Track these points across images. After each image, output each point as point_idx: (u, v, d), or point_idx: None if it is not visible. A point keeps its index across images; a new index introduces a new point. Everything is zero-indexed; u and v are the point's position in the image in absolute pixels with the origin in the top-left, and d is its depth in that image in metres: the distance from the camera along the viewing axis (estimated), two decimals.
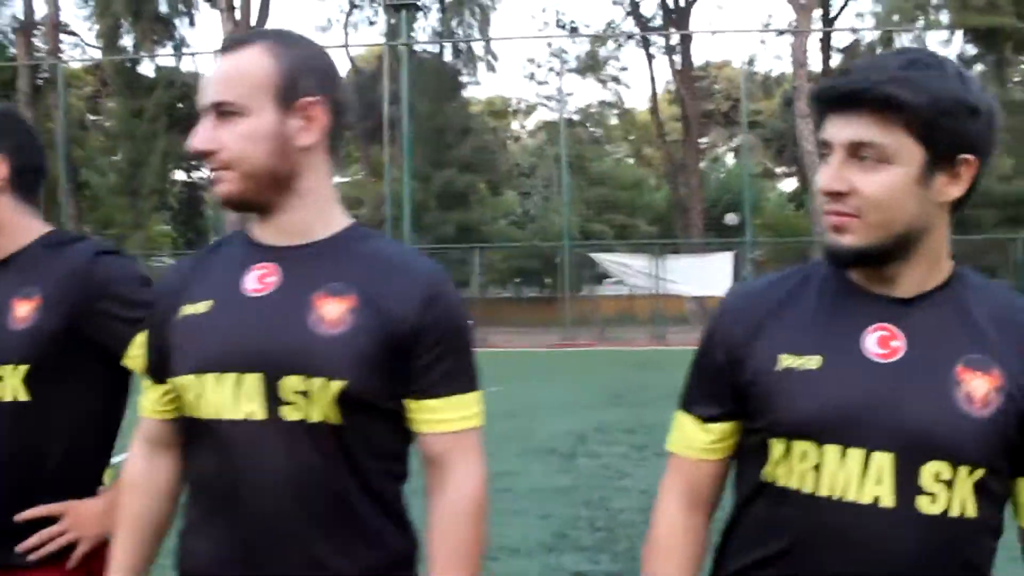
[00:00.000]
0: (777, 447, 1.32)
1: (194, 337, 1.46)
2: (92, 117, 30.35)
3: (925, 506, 1.26)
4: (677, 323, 25.38)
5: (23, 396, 1.73)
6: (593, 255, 27.85)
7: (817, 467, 1.29)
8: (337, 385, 1.38)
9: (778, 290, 1.40)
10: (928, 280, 1.32)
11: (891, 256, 1.30)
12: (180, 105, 28.46)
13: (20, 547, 1.72)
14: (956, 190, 1.28)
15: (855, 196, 1.26)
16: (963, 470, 1.25)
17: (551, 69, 37.30)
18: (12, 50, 28.31)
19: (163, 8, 27.61)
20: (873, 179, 1.26)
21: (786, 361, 1.33)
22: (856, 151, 1.26)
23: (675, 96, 36.27)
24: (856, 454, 1.27)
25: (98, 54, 29.70)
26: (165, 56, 29.92)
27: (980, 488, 1.26)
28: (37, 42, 28.66)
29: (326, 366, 1.38)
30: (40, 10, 28.50)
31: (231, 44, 1.46)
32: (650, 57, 38.88)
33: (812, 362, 1.31)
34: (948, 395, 1.26)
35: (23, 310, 1.76)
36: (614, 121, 42.66)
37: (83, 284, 1.76)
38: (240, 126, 1.42)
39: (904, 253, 1.30)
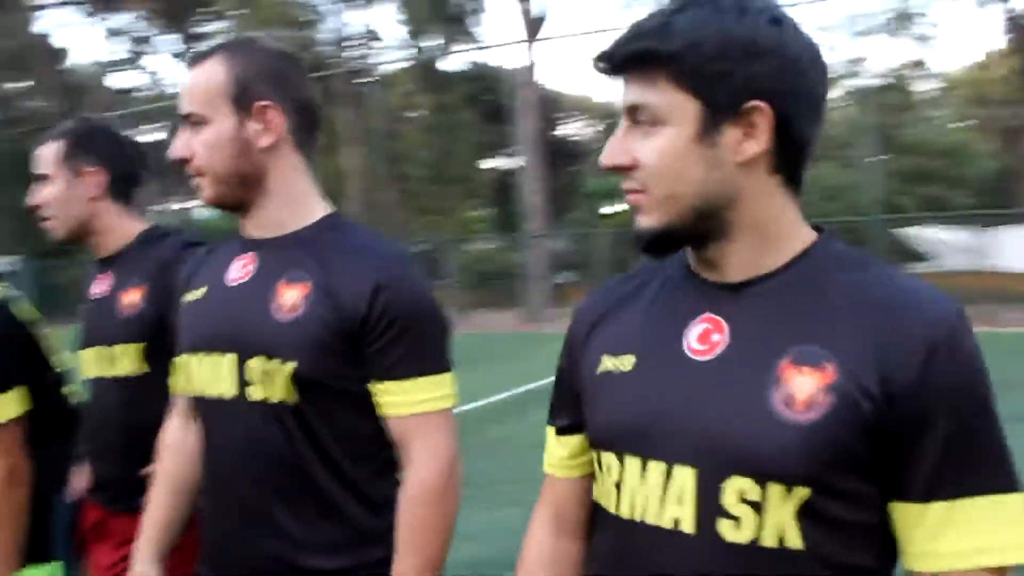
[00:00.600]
0: (596, 461, 1.17)
1: (188, 321, 1.66)
2: (410, 114, 33.09)
3: (728, 532, 1.03)
4: (1008, 302, 22.76)
5: (136, 371, 2.04)
6: (903, 230, 25.80)
7: (618, 484, 1.11)
8: (290, 366, 1.49)
9: (629, 284, 1.21)
10: (763, 260, 1.09)
11: (703, 235, 1.09)
12: (484, 97, 30.28)
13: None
14: (755, 145, 1.05)
15: (639, 168, 1.07)
16: (775, 489, 1.00)
17: (857, 32, 34.98)
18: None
19: (457, 9, 29.36)
20: (648, 145, 1.06)
21: (606, 363, 1.16)
22: (634, 117, 1.07)
23: (1011, 50, 32.48)
24: (657, 468, 1.07)
25: (405, 56, 32.22)
26: (464, 52, 31.79)
27: (807, 512, 1.01)
28: (351, 52, 31.66)
29: (281, 349, 1.50)
30: (353, 21, 31.63)
31: (194, 58, 1.59)
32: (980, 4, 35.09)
33: (626, 363, 1.13)
34: (762, 397, 1.02)
35: (130, 299, 2.10)
36: (927, 84, 39.20)
37: (172, 274, 1.90)
38: (204, 134, 1.55)
39: (719, 230, 1.08)
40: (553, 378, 1.28)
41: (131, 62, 36.85)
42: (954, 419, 0.98)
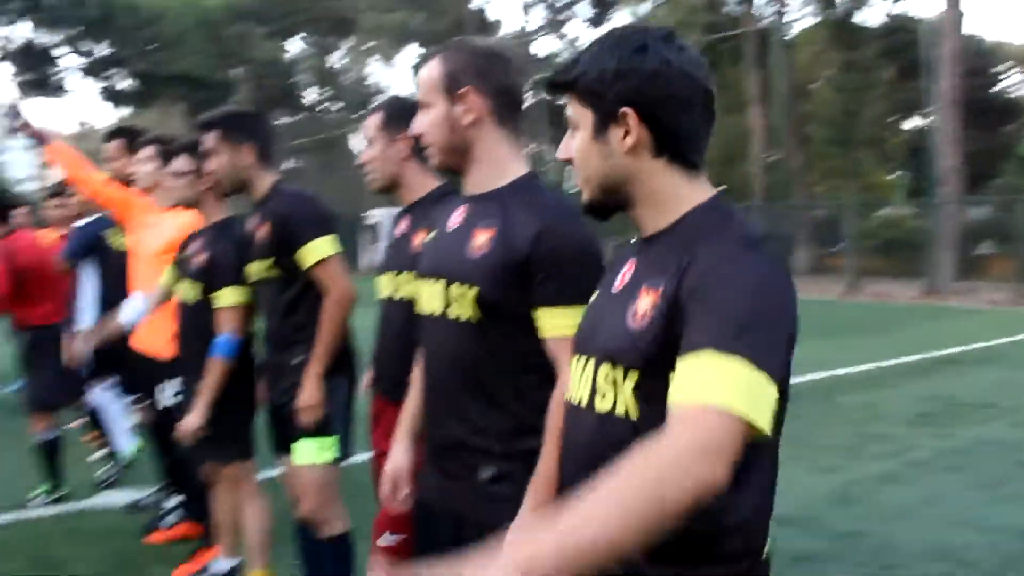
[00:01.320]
0: None
1: (422, 255, 2.19)
2: (819, 74, 31.91)
3: (599, 403, 1.44)
4: None
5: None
6: None
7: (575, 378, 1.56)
8: (475, 291, 1.95)
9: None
10: (659, 220, 1.46)
11: (619, 205, 1.50)
12: (900, 52, 28.29)
13: None
14: (631, 138, 1.42)
15: (572, 161, 1.52)
16: (621, 371, 1.41)
17: None
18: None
19: None
20: (572, 144, 1.51)
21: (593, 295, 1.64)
22: (568, 125, 1.51)
23: None
24: (580, 361, 1.52)
25: (816, 11, 30.94)
26: (882, 3, 29.79)
27: (639, 391, 1.39)
28: (762, 11, 31.03)
29: (470, 278, 1.96)
30: None
31: (423, 59, 2.12)
32: None
33: (594, 296, 1.61)
34: (623, 312, 1.42)
35: (420, 239, 2.42)
36: None
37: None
38: (428, 116, 2.08)
39: (627, 202, 1.48)
40: (949, 351, 1.54)
41: (553, 29, 39.50)
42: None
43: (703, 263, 1.35)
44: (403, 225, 2.92)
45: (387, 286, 2.90)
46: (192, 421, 3.56)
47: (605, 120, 1.45)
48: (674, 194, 1.47)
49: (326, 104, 47.72)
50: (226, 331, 3.57)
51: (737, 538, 1.41)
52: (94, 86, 37.24)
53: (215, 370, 3.53)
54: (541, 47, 39.98)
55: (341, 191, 42.10)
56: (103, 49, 35.95)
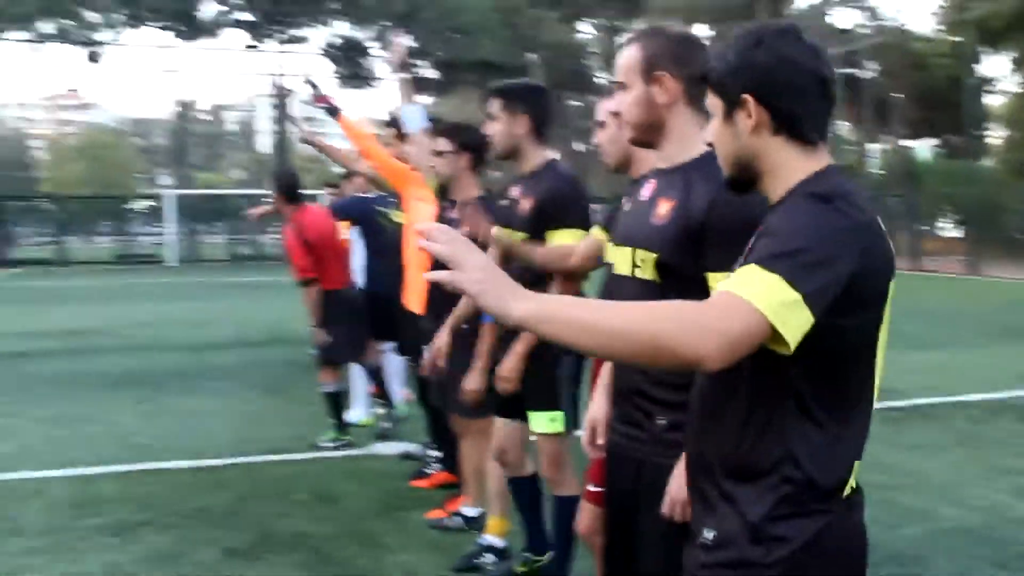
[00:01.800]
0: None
1: (617, 224, 2.45)
2: None
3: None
4: None
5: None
6: None
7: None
8: (655, 256, 2.18)
9: None
10: (779, 191, 1.66)
11: (750, 180, 1.70)
12: None
13: None
14: (751, 121, 1.63)
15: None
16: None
17: None
18: None
19: None
20: (708, 130, 1.75)
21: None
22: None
23: None
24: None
25: None
26: None
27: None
28: None
29: (652, 244, 2.20)
30: None
31: (624, 43, 2.35)
32: None
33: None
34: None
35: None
36: None
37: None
38: (626, 96, 2.29)
39: (756, 176, 1.69)
40: None
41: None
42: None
43: (774, 215, 1.60)
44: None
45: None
46: (470, 385, 3.80)
47: (731, 106, 1.66)
48: (791, 167, 1.65)
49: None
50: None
51: (814, 474, 1.57)
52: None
53: (488, 335, 3.71)
54: (839, 19, 37.89)
55: None
56: (409, 43, 38.74)
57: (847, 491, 1.62)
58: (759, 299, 1.42)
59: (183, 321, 13.54)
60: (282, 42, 36.82)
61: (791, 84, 1.61)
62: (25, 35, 34.51)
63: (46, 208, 39.81)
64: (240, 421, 6.90)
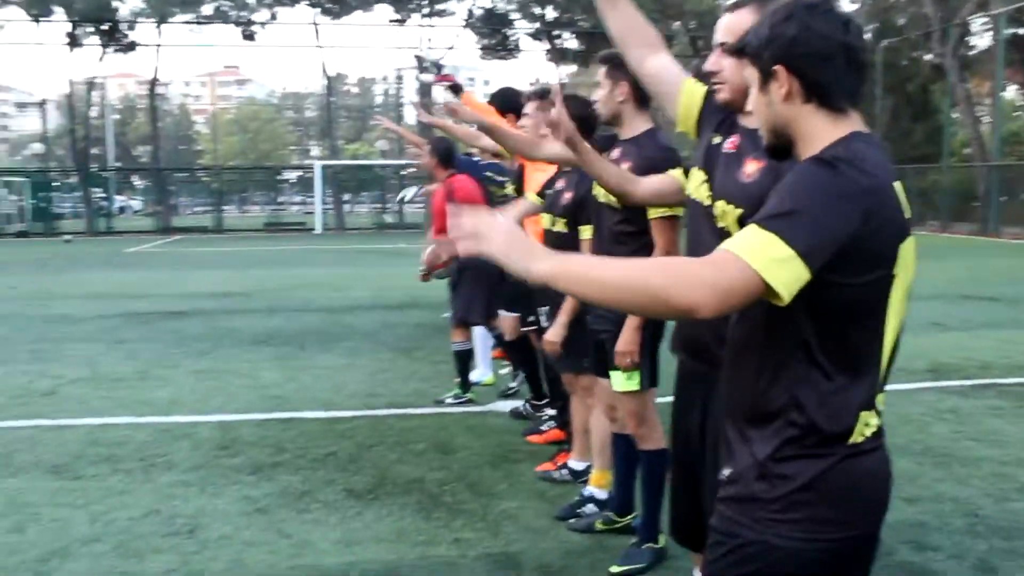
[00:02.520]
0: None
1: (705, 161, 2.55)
2: None
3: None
4: None
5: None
6: None
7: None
8: (739, 211, 2.29)
9: None
10: (805, 154, 1.74)
11: (786, 146, 1.80)
12: None
13: None
14: (783, 90, 1.73)
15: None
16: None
17: None
18: None
19: None
20: (750, 99, 1.84)
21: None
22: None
23: None
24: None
25: None
26: None
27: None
28: None
29: (737, 199, 2.31)
30: None
31: (732, 6, 2.38)
32: None
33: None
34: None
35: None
36: None
37: None
38: (731, 59, 2.34)
39: (790, 142, 1.78)
40: None
41: None
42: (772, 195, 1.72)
43: (784, 178, 1.70)
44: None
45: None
46: (551, 336, 4.18)
47: (766, 77, 1.76)
48: (820, 134, 1.73)
49: None
50: None
51: (817, 419, 1.68)
52: (541, 47, 40.36)
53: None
54: None
55: None
56: (551, 13, 38.79)
57: (856, 438, 1.69)
58: (752, 255, 1.54)
59: (325, 285, 14.24)
60: (426, 15, 37.54)
61: (818, 53, 1.70)
62: (188, 16, 36.45)
63: (205, 179, 42.19)
64: (369, 377, 7.32)
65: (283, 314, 11.15)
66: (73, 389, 6.97)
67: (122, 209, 41.71)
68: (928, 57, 38.14)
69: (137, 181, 48.18)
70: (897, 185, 1.68)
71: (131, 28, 36.56)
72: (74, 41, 35.23)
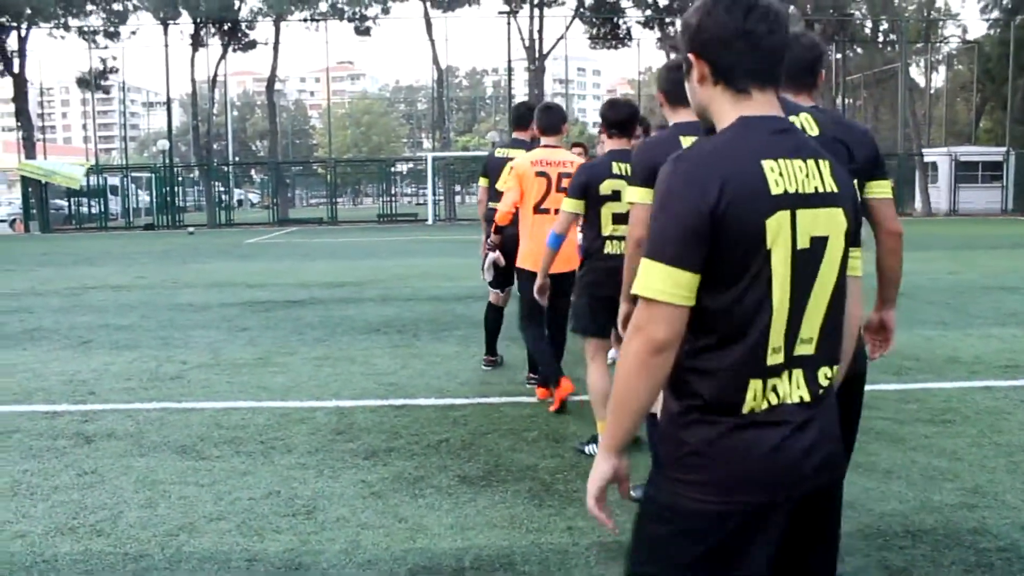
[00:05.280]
0: None
1: None
2: None
3: None
4: None
5: None
6: None
7: None
8: None
9: None
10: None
11: (710, 128, 1.89)
12: None
13: None
14: (696, 73, 1.87)
15: None
16: None
17: None
18: None
19: None
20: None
21: None
22: None
23: None
24: None
25: None
26: None
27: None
28: None
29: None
30: None
31: None
32: None
33: None
34: None
35: None
36: None
37: None
38: None
39: (713, 125, 1.88)
40: None
41: None
42: None
43: None
44: None
45: None
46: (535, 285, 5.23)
47: (689, 64, 1.89)
48: (725, 114, 1.85)
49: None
50: (557, 230, 4.99)
51: (704, 389, 1.79)
52: (652, 36, 39.87)
53: (546, 256, 5.10)
54: None
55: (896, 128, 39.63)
56: (663, 0, 38.28)
57: (749, 407, 1.77)
58: (646, 290, 1.73)
59: (437, 275, 14.45)
60: (536, 5, 37.54)
61: (719, 39, 1.82)
62: (305, 13, 37.43)
63: (319, 173, 43.27)
64: (481, 365, 7.37)
65: (396, 303, 11.35)
66: (198, 374, 7.26)
67: (240, 202, 43.26)
68: None
69: (255, 175, 49.83)
70: (769, 163, 1.75)
71: (251, 27, 37.81)
72: (198, 41, 36.66)
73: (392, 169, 44.85)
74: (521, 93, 48.18)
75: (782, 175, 1.75)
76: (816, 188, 1.79)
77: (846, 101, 46.30)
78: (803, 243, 1.76)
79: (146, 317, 10.47)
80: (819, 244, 1.79)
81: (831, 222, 1.81)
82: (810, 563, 1.97)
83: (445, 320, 9.92)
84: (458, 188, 37.41)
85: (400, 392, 6.54)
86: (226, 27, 36.84)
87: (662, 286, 1.70)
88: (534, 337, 6.09)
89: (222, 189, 38.02)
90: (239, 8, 37.35)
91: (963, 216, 33.22)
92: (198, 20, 36.09)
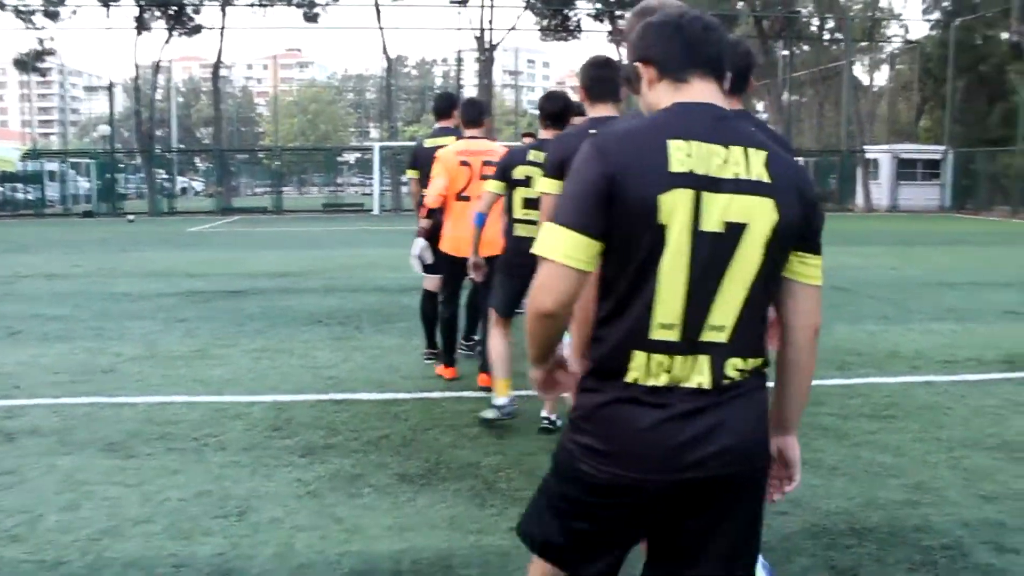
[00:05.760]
0: None
1: None
2: None
3: None
4: None
5: None
6: None
7: None
8: None
9: None
10: None
11: None
12: None
13: None
14: (646, 78, 1.95)
15: None
16: None
17: None
18: None
19: None
20: None
21: None
22: None
23: None
24: None
25: None
26: None
27: None
28: None
29: None
30: None
31: None
32: None
33: None
34: None
35: None
36: None
37: None
38: None
39: None
40: None
41: None
42: None
43: None
44: None
45: None
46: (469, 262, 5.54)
47: (638, 74, 1.97)
48: (663, 104, 1.90)
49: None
50: (480, 209, 5.31)
51: (596, 354, 1.88)
52: (602, 28, 39.87)
53: (474, 234, 5.42)
54: None
55: (840, 125, 40.16)
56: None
57: (631, 377, 1.82)
58: (548, 251, 1.79)
59: (382, 265, 14.24)
60: None
61: (657, 38, 1.92)
62: None
63: (265, 161, 42.64)
64: (425, 359, 7.24)
65: (339, 294, 11.15)
66: (132, 367, 7.01)
67: (184, 190, 42.39)
68: (1005, 36, 36.86)
69: (200, 162, 48.93)
70: (677, 142, 1.77)
71: (197, 11, 37.00)
72: (141, 25, 35.76)
73: (339, 158, 44.33)
74: (470, 84, 47.97)
75: (690, 156, 1.76)
76: (736, 174, 1.77)
77: (792, 98, 46.84)
78: (712, 226, 1.75)
79: (80, 307, 10.13)
80: (735, 231, 1.76)
81: (752, 211, 1.78)
82: (709, 552, 1.89)
83: (389, 311, 9.75)
84: (405, 178, 37.01)
85: (340, 386, 6.37)
86: (171, 10, 35.99)
87: (557, 246, 1.77)
88: (448, 315, 6.55)
89: (165, 177, 37.20)
90: None
91: (903, 212, 33.79)
92: (142, 2, 35.19)
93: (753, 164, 1.79)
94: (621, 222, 1.75)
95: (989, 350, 7.65)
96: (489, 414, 5.26)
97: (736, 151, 1.79)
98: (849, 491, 4.30)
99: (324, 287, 11.84)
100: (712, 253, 1.76)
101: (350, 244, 19.00)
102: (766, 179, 1.79)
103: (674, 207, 1.73)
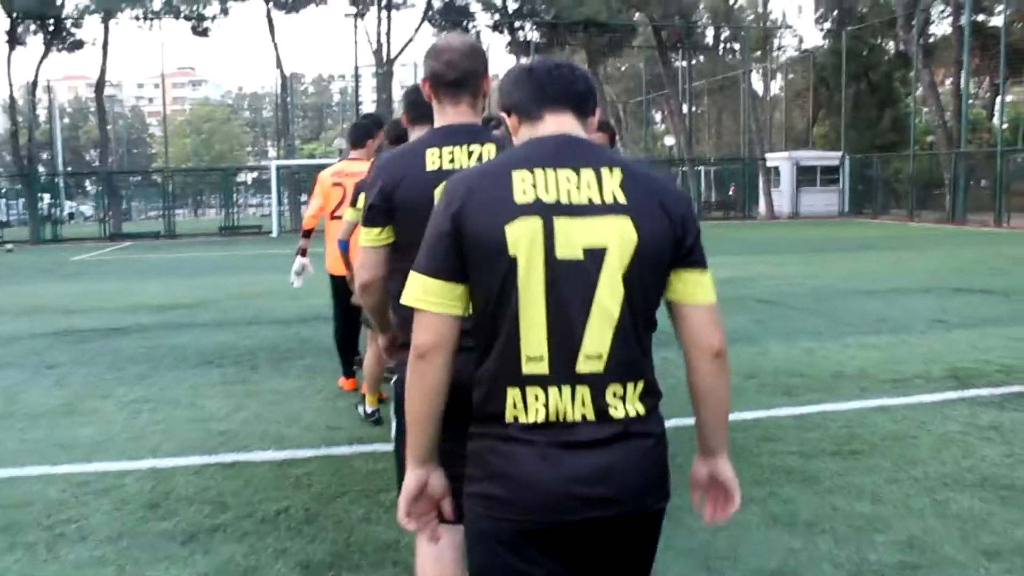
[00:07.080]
0: None
1: None
2: None
3: None
4: None
5: None
6: None
7: None
8: None
9: None
10: None
11: None
12: None
13: None
14: (511, 125, 1.92)
15: None
16: None
17: None
18: None
19: None
20: None
21: None
22: None
23: None
24: None
25: None
26: None
27: None
28: None
29: None
30: None
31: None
32: None
33: None
34: None
35: None
36: None
37: None
38: None
39: None
40: None
41: None
42: None
43: None
44: None
45: None
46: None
47: (505, 125, 1.94)
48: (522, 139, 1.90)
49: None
50: (340, 236, 5.36)
51: (476, 397, 1.79)
52: (502, 40, 39.46)
53: (341, 258, 5.67)
54: None
55: (739, 133, 40.68)
56: (512, 3, 37.92)
57: (509, 417, 1.73)
58: (411, 299, 1.76)
59: (281, 293, 13.24)
60: (384, 7, 36.44)
61: (512, 86, 1.91)
62: (137, 11, 35.03)
63: (158, 183, 40.79)
64: (329, 404, 6.42)
65: (233, 328, 10.16)
66: None
67: (71, 215, 40.22)
68: (891, 44, 37.89)
69: (90, 186, 46.64)
70: (521, 172, 1.74)
71: (77, 25, 35.11)
72: (15, 39, 33.69)
73: (235, 179, 42.73)
74: (369, 100, 46.97)
75: (535, 185, 1.73)
76: (590, 199, 1.73)
77: (691, 109, 47.31)
78: (568, 253, 1.70)
79: None
80: (596, 255, 1.71)
81: (610, 233, 1.72)
82: None
83: (288, 347, 8.85)
84: (304, 198, 35.72)
85: (231, 444, 5.50)
86: (48, 24, 34.02)
87: (418, 294, 1.75)
88: (342, 334, 6.78)
89: (51, 202, 35.09)
90: (62, 3, 34.59)
91: (805, 219, 34.26)
92: (15, 15, 33.10)
93: (607, 184, 1.75)
94: (474, 258, 1.72)
95: (932, 365, 7.28)
96: (361, 412, 5.99)
97: (587, 173, 1.75)
98: (836, 555, 3.68)
99: (216, 321, 10.83)
100: (573, 280, 1.70)
101: (247, 270, 17.87)
102: (622, 199, 1.74)
103: (521, 237, 1.70)
